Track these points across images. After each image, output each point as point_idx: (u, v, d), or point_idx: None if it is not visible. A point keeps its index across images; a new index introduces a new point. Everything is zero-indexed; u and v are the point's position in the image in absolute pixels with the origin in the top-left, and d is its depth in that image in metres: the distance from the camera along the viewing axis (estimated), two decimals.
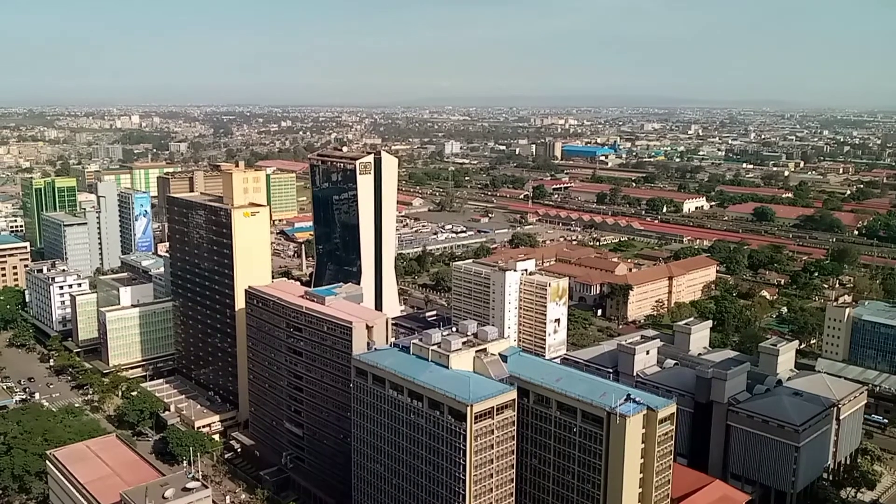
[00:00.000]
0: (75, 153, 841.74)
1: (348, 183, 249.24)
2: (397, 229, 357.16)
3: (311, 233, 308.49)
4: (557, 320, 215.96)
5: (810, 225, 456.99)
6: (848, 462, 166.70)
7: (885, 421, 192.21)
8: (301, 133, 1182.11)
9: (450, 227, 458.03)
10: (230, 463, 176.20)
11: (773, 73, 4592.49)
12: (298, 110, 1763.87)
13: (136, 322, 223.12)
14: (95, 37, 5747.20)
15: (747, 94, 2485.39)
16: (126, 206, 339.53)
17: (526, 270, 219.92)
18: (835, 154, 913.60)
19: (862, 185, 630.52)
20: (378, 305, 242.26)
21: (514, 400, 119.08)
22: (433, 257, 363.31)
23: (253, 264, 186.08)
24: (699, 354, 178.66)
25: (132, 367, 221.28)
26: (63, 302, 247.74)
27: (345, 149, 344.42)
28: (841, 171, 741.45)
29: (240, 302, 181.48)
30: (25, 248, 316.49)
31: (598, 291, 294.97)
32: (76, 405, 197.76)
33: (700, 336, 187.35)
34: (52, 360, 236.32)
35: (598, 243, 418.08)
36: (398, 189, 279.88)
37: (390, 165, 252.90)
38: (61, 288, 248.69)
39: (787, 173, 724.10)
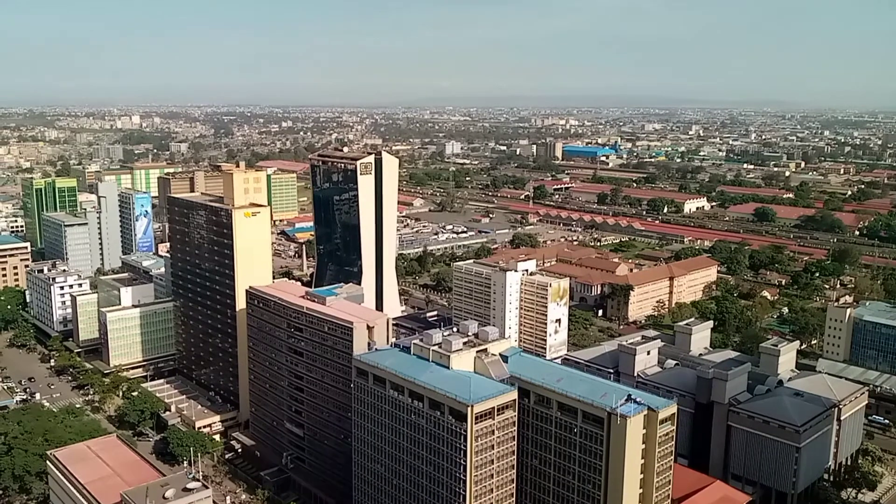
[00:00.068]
0: (76, 153, 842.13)
1: (349, 183, 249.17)
2: (398, 230, 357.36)
3: (312, 233, 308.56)
4: (558, 320, 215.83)
5: (811, 225, 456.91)
6: (849, 463, 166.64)
7: (886, 422, 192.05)
8: (302, 133, 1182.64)
9: (450, 227, 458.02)
10: (231, 463, 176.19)
11: (773, 73, 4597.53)
12: (299, 110, 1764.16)
13: (136, 322, 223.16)
14: (95, 37, 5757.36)
15: (748, 95, 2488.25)
16: (127, 207, 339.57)
17: (527, 271, 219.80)
18: (836, 154, 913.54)
19: (863, 186, 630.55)
20: (379, 306, 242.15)
21: (514, 400, 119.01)
22: (434, 257, 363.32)
23: (254, 264, 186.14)
24: (700, 355, 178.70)
25: (133, 368, 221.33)
26: (64, 302, 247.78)
27: (345, 149, 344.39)
28: (842, 171, 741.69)
29: (240, 302, 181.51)
30: (26, 248, 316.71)
31: (598, 292, 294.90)
32: (77, 405, 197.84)
33: (701, 336, 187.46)
34: (52, 361, 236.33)
35: (598, 244, 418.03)
36: (399, 189, 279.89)
37: (391, 166, 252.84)
38: (62, 288, 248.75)
39: (787, 174, 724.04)
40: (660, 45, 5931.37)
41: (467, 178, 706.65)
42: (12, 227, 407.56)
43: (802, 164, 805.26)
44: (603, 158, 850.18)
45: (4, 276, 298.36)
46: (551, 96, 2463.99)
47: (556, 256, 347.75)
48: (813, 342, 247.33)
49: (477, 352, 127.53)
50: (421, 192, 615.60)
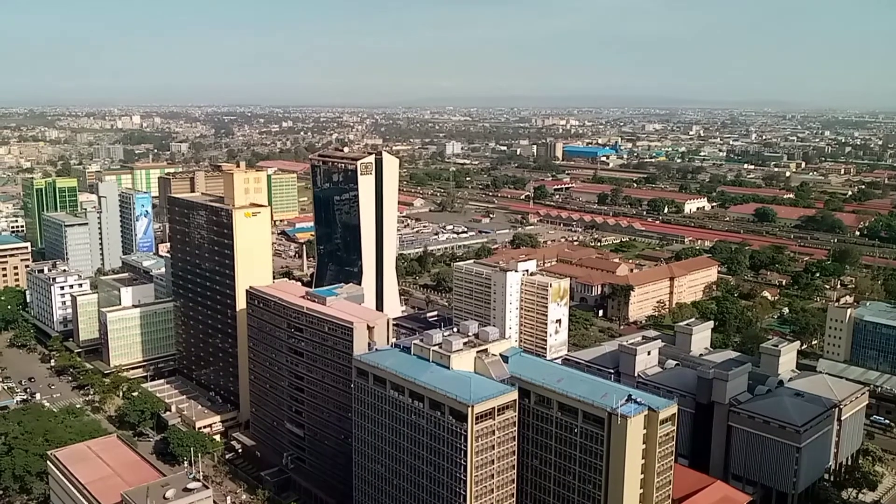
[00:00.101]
0: (76, 153, 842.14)
1: (349, 183, 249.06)
2: (398, 230, 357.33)
3: (312, 233, 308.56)
4: (558, 321, 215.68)
5: (812, 225, 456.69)
6: (849, 463, 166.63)
7: (887, 422, 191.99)
8: (302, 133, 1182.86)
9: (451, 227, 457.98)
10: (231, 463, 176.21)
11: (773, 73, 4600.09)
12: (299, 111, 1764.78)
13: (136, 322, 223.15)
14: (95, 37, 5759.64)
15: (748, 95, 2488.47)
16: (127, 207, 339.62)
17: (527, 271, 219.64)
18: (836, 155, 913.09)
19: (863, 186, 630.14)
20: (379, 306, 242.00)
21: (515, 400, 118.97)
22: (434, 258, 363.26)
23: (254, 265, 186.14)
24: (700, 355, 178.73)
25: (133, 368, 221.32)
26: (64, 302, 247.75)
27: (346, 149, 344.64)
28: (842, 171, 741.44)
29: (241, 302, 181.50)
30: (26, 248, 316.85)
31: (599, 292, 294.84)
32: (77, 405, 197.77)
33: (701, 337, 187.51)
34: (52, 361, 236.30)
35: (599, 244, 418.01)
36: (399, 189, 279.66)
37: (391, 166, 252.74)
38: (62, 288, 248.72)
39: (788, 174, 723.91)
40: (660, 45, 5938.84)
41: (468, 179, 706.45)
42: (13, 227, 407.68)
43: (803, 165, 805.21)
44: (603, 159, 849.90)
45: (5, 276, 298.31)
46: (552, 96, 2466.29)
47: (557, 257, 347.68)
48: (813, 342, 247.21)
49: (477, 352, 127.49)
50: (421, 192, 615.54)
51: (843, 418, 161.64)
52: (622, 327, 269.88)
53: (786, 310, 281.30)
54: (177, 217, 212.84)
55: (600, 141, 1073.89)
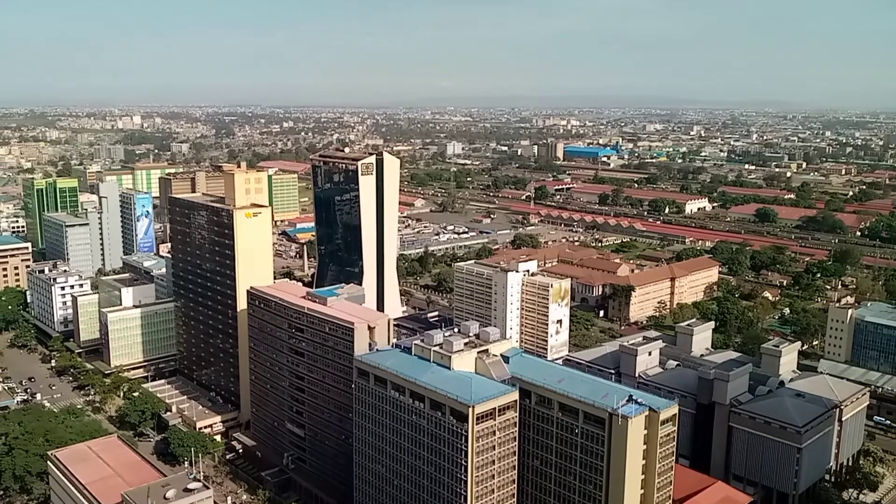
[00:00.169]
0: (77, 154, 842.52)
1: (350, 184, 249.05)
2: (399, 230, 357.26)
3: (313, 233, 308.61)
4: (559, 321, 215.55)
5: (812, 226, 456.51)
6: (850, 463, 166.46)
7: (888, 422, 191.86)
8: (303, 134, 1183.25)
9: (452, 227, 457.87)
10: (232, 464, 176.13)
11: (773, 73, 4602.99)
12: (300, 111, 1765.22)
13: (137, 323, 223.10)
14: (95, 37, 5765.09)
15: (749, 95, 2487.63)
16: (128, 207, 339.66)
17: (528, 271, 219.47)
18: (837, 155, 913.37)
19: (864, 187, 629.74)
20: (380, 306, 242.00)
21: (515, 401, 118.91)
22: (435, 258, 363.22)
23: (255, 265, 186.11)
24: (701, 355, 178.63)
25: (134, 368, 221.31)
26: (64, 302, 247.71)
27: (347, 149, 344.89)
28: (843, 172, 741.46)
29: (241, 303, 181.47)
30: (27, 248, 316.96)
31: (600, 292, 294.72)
32: (77, 406, 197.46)
33: (702, 337, 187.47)
34: (53, 361, 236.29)
35: (600, 244, 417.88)
36: (400, 190, 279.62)
37: (392, 166, 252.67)
38: (63, 288, 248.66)
39: (789, 174, 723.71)
40: (660, 45, 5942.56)
41: (468, 179, 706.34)
42: (13, 228, 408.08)
43: (804, 165, 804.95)
44: (604, 159, 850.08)
45: (5, 276, 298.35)
46: (552, 97, 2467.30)
47: (558, 257, 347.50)
48: (814, 343, 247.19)
49: (478, 352, 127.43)
50: (422, 192, 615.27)
51: (843, 419, 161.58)
52: (623, 328, 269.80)
53: (787, 310, 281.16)
54: (177, 217, 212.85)
55: (601, 141, 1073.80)
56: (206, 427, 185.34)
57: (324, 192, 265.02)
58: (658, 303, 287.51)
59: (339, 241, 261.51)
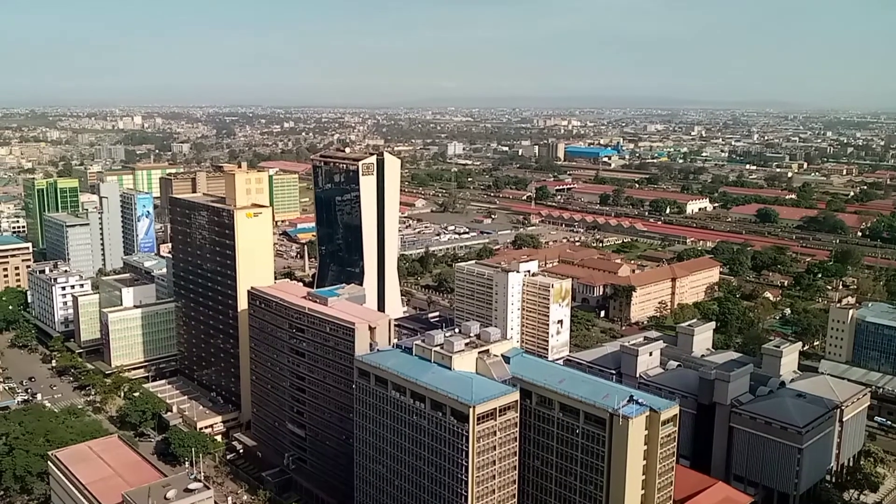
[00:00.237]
0: (77, 154, 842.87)
1: (351, 184, 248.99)
2: (400, 230, 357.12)
3: (314, 234, 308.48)
4: (560, 321, 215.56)
5: (814, 226, 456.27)
6: (851, 464, 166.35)
7: (889, 423, 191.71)
8: (304, 134, 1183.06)
9: (452, 228, 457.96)
10: (232, 464, 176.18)
11: (774, 73, 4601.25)
12: (301, 111, 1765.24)
13: (138, 323, 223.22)
14: (95, 37, 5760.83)
15: (750, 96, 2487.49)
16: (128, 207, 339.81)
17: (529, 271, 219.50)
18: (838, 155, 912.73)
19: (865, 187, 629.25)
20: (381, 306, 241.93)
21: (516, 401, 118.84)
22: (436, 258, 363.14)
23: (255, 265, 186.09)
24: (702, 356, 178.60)
25: (134, 368, 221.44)
26: (65, 303, 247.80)
27: (347, 150, 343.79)
28: (844, 172, 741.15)
29: (242, 303, 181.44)
30: (27, 248, 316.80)
31: (601, 293, 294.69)
32: (78, 406, 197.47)
33: (703, 337, 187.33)
34: (54, 361, 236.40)
35: (601, 244, 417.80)
36: (401, 190, 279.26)
37: (393, 166, 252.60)
38: (63, 289, 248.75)
39: (790, 174, 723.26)
40: (660, 44, 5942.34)
41: (469, 179, 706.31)
42: (14, 228, 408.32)
43: (805, 165, 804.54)
44: (605, 159, 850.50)
45: (6, 276, 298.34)
46: (553, 97, 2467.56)
47: (559, 257, 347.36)
48: (815, 343, 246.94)
49: (479, 353, 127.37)
50: (423, 192, 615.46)
51: (844, 419, 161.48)
52: (624, 328, 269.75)
53: (787, 311, 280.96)
54: (178, 217, 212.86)
55: (602, 141, 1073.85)
56: (206, 427, 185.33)
57: (324, 192, 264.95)
58: (659, 303, 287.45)
59: (340, 241, 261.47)
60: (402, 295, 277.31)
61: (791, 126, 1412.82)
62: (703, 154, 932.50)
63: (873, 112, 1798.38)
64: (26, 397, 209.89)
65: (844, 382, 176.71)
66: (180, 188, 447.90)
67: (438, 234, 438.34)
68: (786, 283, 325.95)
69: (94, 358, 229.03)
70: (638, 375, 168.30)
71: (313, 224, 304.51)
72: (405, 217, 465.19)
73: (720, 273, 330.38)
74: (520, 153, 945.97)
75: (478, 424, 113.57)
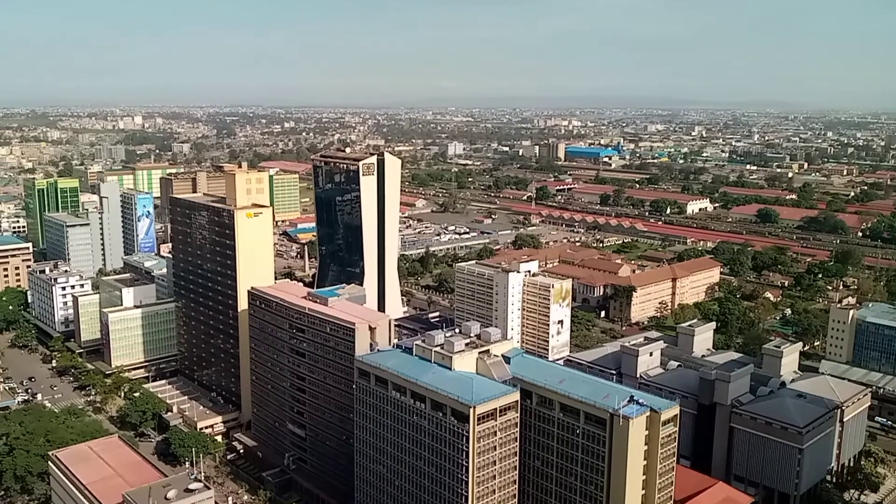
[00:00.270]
0: (78, 154, 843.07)
1: (351, 184, 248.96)
2: (400, 230, 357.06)
3: (314, 234, 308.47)
4: (560, 322, 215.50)
5: (814, 226, 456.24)
6: (852, 464, 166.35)
7: (890, 423, 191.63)
8: (304, 134, 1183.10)
9: (453, 228, 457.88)
10: (233, 464, 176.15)
11: (774, 73, 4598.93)
12: (301, 111, 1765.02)
13: (138, 323, 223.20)
14: (95, 37, 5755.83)
15: (750, 96, 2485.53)
16: (129, 207, 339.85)
17: (529, 272, 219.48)
18: (839, 156, 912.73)
19: (866, 187, 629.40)
20: (381, 307, 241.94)
21: (516, 401, 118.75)
22: (436, 258, 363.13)
23: (256, 265, 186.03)
24: (703, 356, 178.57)
25: (135, 368, 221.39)
26: (65, 303, 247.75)
27: (348, 150, 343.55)
28: (845, 172, 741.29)
29: (242, 303, 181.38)
30: (28, 248, 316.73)
31: (601, 293, 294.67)
32: (78, 406, 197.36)
33: (703, 338, 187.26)
34: (54, 361, 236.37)
35: (601, 245, 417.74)
36: (401, 190, 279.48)
37: (393, 167, 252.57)
38: (64, 289, 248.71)
39: (790, 175, 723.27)
40: (660, 45, 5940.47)
41: (470, 179, 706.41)
42: (14, 228, 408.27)
43: (805, 166, 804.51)
44: (605, 159, 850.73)
45: (6, 276, 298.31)
46: (554, 97, 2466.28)
47: (559, 257, 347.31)
48: (816, 344, 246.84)
49: (479, 353, 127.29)
50: (423, 192, 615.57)
51: (845, 420, 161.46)
52: (624, 328, 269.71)
53: (788, 311, 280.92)
54: (178, 217, 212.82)
55: (602, 142, 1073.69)
56: (206, 427, 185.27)
57: (325, 192, 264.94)
58: (659, 303, 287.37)
59: (340, 241, 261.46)
60: (402, 295, 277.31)
61: (791, 126, 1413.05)
62: (704, 154, 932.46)
63: (874, 112, 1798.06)
64: (26, 397, 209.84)
65: (845, 383, 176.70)
66: (181, 188, 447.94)
67: (439, 235, 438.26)
68: (786, 284, 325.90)
69: (94, 358, 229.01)
70: (638, 376, 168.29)
71: (313, 224, 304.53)
72: (405, 217, 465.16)
73: (721, 273, 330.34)
74: (520, 153, 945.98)
75: (478, 425, 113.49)
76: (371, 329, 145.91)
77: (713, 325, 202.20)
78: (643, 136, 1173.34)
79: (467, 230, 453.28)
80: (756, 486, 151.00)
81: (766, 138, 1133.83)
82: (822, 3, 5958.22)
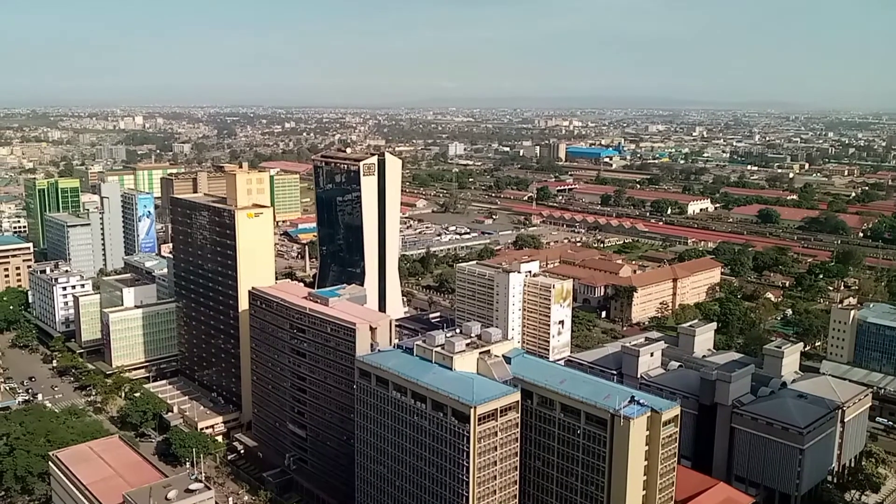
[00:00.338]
0: (79, 154, 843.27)
1: (352, 184, 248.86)
2: (401, 231, 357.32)
3: (315, 234, 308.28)
4: (561, 322, 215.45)
5: (815, 227, 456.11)
6: (852, 465, 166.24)
7: (891, 423, 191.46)
8: (305, 134, 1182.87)
9: (453, 228, 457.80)
10: (233, 464, 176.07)
11: (774, 73, 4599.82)
12: (302, 111, 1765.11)
13: (139, 323, 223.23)
14: (95, 37, 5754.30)
15: (751, 96, 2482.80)
16: (129, 207, 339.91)
17: (530, 272, 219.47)
18: (840, 156, 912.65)
19: (867, 188, 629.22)
20: (381, 307, 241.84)
21: (517, 402, 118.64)
22: (437, 259, 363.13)
23: (256, 265, 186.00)
24: (703, 356, 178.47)
25: (135, 369, 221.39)
26: (66, 303, 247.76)
27: (348, 150, 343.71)
28: (846, 173, 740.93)
29: (243, 303, 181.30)
30: (28, 248, 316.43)
31: (602, 293, 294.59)
32: (79, 406, 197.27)
33: (704, 338, 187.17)
34: (54, 361, 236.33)
35: (602, 245, 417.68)
36: (402, 190, 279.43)
37: (394, 167, 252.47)
38: (64, 289, 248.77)
39: (791, 175, 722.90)
40: (660, 44, 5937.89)
41: (470, 180, 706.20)
42: (15, 228, 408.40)
43: (806, 166, 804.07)
44: (606, 160, 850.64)
45: (7, 276, 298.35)
46: (554, 97, 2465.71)
47: (560, 258, 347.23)
48: (817, 344, 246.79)
49: (480, 353, 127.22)
50: (424, 193, 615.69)
51: (846, 420, 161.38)
52: (625, 328, 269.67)
53: (789, 311, 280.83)
54: (179, 218, 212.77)
55: (603, 142, 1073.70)
56: (207, 428, 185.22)
57: (325, 192, 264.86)
58: (660, 304, 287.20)
59: (341, 241, 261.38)
60: (403, 295, 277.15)
61: (792, 127, 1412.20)
62: (705, 155, 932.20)
63: (875, 113, 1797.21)
64: (27, 397, 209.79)
65: (846, 383, 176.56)
66: (181, 188, 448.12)
67: (439, 235, 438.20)
68: (787, 284, 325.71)
69: (94, 358, 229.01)
70: (639, 376, 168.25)
71: (314, 224, 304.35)
72: (406, 217, 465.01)
73: (721, 274, 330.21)
74: (521, 154, 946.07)
75: (479, 425, 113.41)
76: (372, 329, 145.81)
77: (714, 325, 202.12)
78: (644, 137, 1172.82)
79: (468, 230, 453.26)
80: (757, 486, 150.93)
81: (767, 139, 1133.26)
82: (822, 3, 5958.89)
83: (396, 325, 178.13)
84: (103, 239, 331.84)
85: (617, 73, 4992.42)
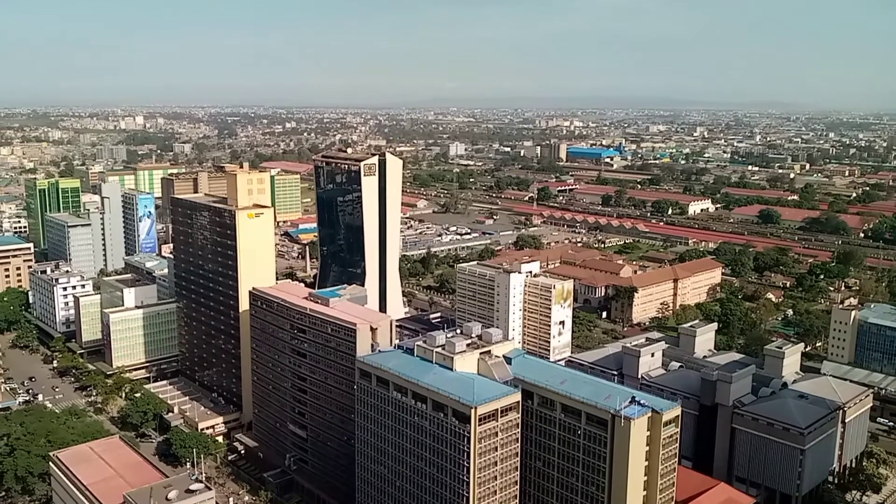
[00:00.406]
0: (79, 154, 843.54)
1: (353, 184, 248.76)
2: (402, 231, 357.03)
3: (316, 234, 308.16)
4: (562, 322, 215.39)
5: (816, 227, 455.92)
6: (853, 465, 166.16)
7: (892, 424, 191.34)
8: (305, 134, 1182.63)
9: (454, 228, 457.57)
10: (234, 465, 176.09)
11: (775, 73, 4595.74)
12: (303, 112, 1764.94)
13: (139, 323, 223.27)
14: (96, 37, 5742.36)
15: (752, 97, 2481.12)
16: (130, 207, 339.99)
17: (530, 272, 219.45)
18: (841, 156, 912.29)
19: (868, 188, 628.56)
20: (382, 307, 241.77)
21: (518, 402, 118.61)
22: (437, 259, 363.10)
23: (257, 266, 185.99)
24: (704, 357, 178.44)
25: (136, 369, 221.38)
26: (66, 303, 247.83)
27: (349, 150, 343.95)
28: (847, 173, 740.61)
29: (244, 303, 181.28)
30: (29, 248, 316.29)
31: (602, 293, 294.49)
32: (79, 407, 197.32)
33: (705, 338, 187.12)
34: (55, 362, 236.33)
35: (602, 245, 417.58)
36: (403, 191, 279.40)
37: (395, 167, 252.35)
38: (65, 289, 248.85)
39: (792, 175, 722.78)
40: (660, 45, 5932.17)
41: (471, 180, 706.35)
42: (15, 228, 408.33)
43: (807, 166, 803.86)
44: (607, 160, 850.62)
45: (7, 276, 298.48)
46: (555, 97, 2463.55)
47: (560, 258, 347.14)
48: (817, 344, 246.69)
49: (480, 353, 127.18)
50: (425, 193, 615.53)
51: (847, 420, 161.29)
52: (626, 329, 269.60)
53: (790, 312, 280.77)
54: (180, 218, 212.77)
55: (604, 142, 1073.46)
56: (207, 428, 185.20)
57: (326, 192, 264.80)
58: (661, 304, 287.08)
59: (342, 241, 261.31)
60: (403, 296, 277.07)
61: (793, 127, 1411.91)
62: (706, 155, 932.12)
63: (876, 113, 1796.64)
64: (27, 398, 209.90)
65: (847, 384, 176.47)
66: (182, 188, 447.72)
67: (440, 235, 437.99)
68: (788, 285, 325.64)
69: (95, 358, 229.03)
70: (640, 376, 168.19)
71: (315, 225, 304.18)
72: (407, 218, 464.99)
73: (722, 274, 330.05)
74: (522, 154, 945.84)
75: (479, 425, 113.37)
76: (372, 330, 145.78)
77: (715, 325, 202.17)
78: (645, 137, 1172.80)
79: (469, 231, 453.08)
80: (758, 487, 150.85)
81: (768, 139, 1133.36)
82: (822, 3, 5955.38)
83: (397, 326, 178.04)
84: (104, 239, 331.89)
85: (617, 73, 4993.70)
